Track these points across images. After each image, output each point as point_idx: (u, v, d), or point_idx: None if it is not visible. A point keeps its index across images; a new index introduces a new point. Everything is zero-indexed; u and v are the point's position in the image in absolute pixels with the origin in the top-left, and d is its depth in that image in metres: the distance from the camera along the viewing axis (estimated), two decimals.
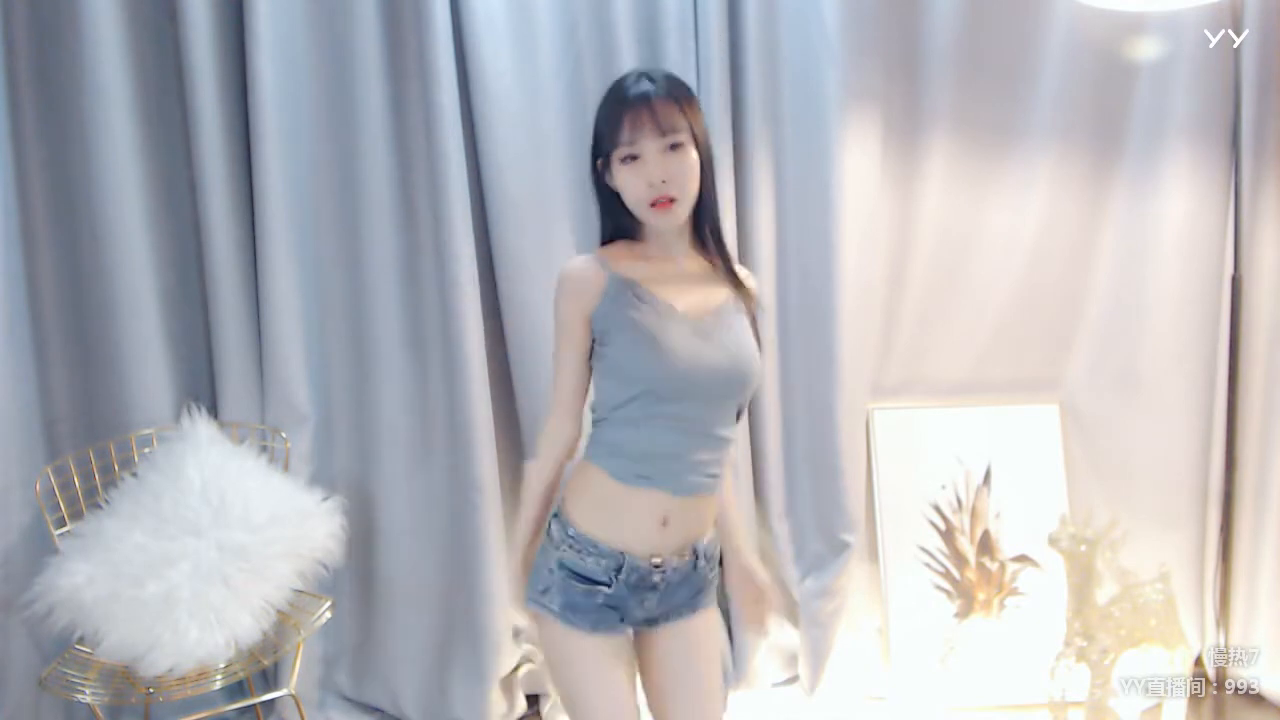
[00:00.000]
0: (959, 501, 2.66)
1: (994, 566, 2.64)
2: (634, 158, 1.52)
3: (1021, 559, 2.63)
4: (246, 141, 2.41)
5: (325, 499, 2.32)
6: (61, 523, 2.26)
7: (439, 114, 2.37)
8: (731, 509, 1.73)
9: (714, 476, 1.60)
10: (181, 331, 2.49)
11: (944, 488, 2.67)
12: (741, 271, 1.67)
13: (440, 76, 2.36)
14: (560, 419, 1.63)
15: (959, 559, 2.65)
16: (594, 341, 1.58)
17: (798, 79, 2.51)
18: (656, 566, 1.58)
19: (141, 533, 2.13)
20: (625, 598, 1.59)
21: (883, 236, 2.62)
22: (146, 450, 2.36)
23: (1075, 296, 2.65)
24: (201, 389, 2.51)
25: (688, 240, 1.63)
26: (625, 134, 1.51)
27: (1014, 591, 2.63)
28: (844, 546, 2.63)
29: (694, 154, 1.54)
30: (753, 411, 2.64)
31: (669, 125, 1.51)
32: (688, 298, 1.58)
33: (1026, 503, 2.64)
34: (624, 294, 1.55)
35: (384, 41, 2.44)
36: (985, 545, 2.65)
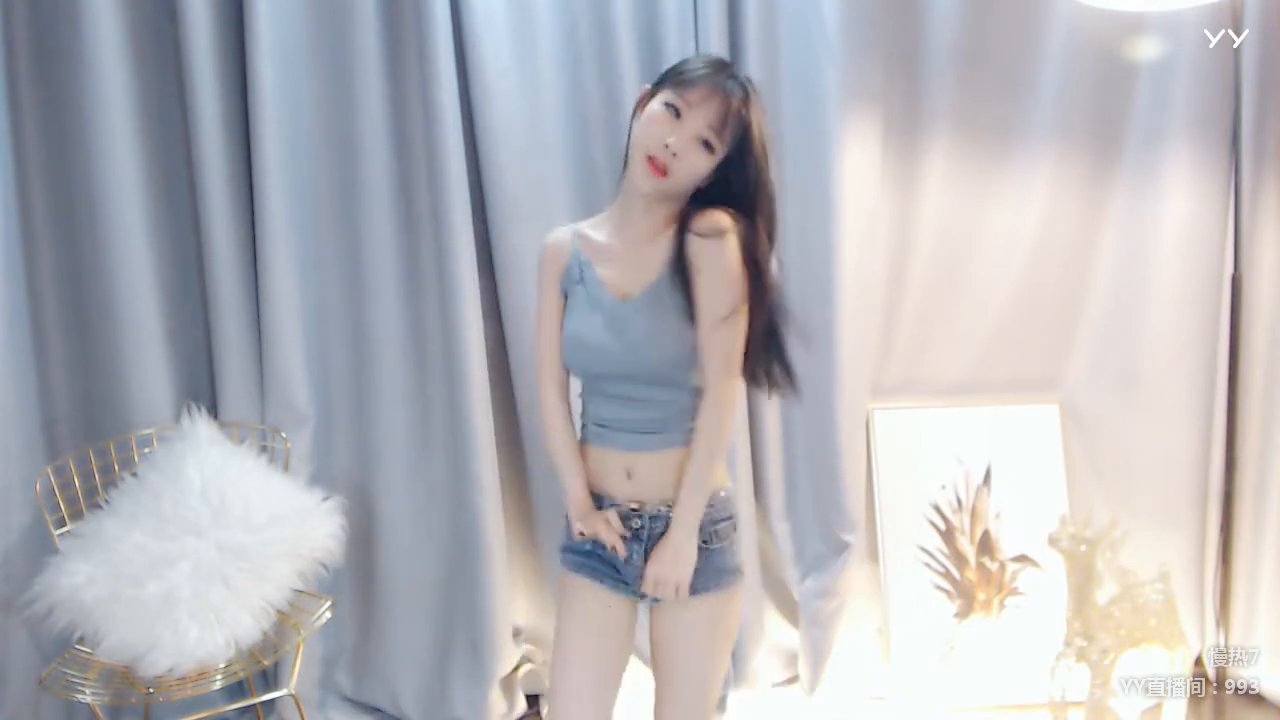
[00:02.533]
0: (959, 501, 2.66)
1: (994, 566, 2.64)
2: (676, 113, 1.52)
3: (1021, 559, 2.63)
4: (246, 141, 2.41)
5: (325, 499, 2.32)
6: (61, 523, 2.26)
7: (439, 114, 2.37)
8: (686, 480, 1.60)
9: (667, 431, 1.62)
10: (181, 331, 2.49)
11: (944, 488, 2.67)
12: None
13: (440, 76, 2.36)
14: (544, 386, 1.70)
15: (959, 559, 2.65)
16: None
17: (798, 79, 2.51)
18: (635, 511, 1.63)
19: (141, 533, 2.13)
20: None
21: (883, 236, 2.61)
22: (146, 450, 2.36)
23: (1075, 296, 2.65)
24: (201, 389, 2.51)
25: (662, 223, 1.61)
26: (693, 94, 1.52)
27: (1014, 591, 2.63)
28: (844, 546, 2.63)
29: (710, 163, 1.54)
30: (752, 411, 2.63)
31: (720, 124, 1.52)
32: (622, 275, 1.62)
33: (1026, 503, 2.64)
34: (574, 271, 1.65)
35: (384, 41, 2.44)
36: (985, 545, 2.65)
